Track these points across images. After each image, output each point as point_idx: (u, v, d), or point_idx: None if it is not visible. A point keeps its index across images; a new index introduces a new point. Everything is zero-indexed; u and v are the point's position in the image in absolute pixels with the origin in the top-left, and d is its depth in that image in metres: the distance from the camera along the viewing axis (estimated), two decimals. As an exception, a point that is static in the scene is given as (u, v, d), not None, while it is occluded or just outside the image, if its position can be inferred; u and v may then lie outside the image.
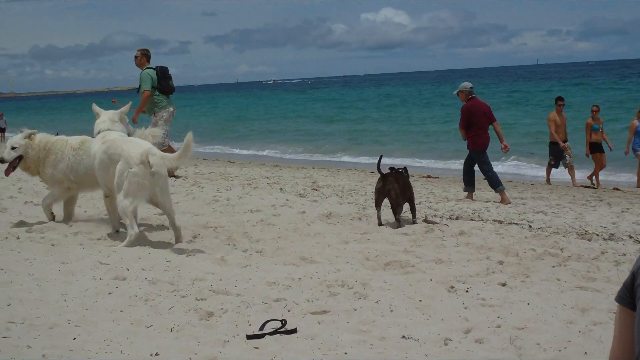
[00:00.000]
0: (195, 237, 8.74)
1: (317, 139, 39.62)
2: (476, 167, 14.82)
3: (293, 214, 10.63)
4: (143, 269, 6.95)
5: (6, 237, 8.39)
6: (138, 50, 15.98)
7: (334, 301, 6.07)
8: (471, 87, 15.13)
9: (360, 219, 10.40)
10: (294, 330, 5.22)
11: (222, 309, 5.73)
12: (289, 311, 5.74)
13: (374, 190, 10.74)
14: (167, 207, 8.49)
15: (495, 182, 14.44)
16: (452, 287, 6.62)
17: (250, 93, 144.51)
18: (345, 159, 30.17)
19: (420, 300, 6.16)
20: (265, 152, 34.59)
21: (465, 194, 15.01)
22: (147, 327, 5.28)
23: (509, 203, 13.99)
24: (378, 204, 10.13)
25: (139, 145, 8.25)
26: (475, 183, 14.78)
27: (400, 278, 6.96)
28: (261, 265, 7.32)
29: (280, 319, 5.39)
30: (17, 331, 5.07)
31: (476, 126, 14.72)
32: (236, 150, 36.54)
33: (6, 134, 49.20)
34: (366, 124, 47.50)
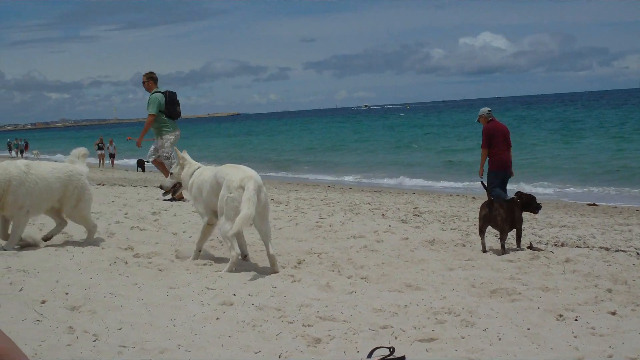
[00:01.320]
0: (299, 263, 8.78)
1: (411, 165, 39.59)
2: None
3: (396, 240, 10.60)
4: (250, 295, 7.02)
5: (115, 262, 8.58)
6: (144, 75, 16.36)
7: (441, 329, 6.00)
8: (489, 111, 16.66)
9: (463, 245, 10.32)
10: (403, 358, 5.18)
11: (329, 335, 5.73)
12: (396, 338, 5.71)
13: (477, 216, 10.64)
14: (262, 232, 8.63)
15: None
16: (561, 316, 6.48)
17: (346, 118, 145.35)
18: (444, 184, 29.99)
19: (528, 329, 6.04)
20: (353, 178, 34.67)
21: None
22: (256, 353, 5.32)
23: None
24: (482, 231, 10.04)
25: (241, 171, 8.40)
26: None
27: (507, 306, 6.85)
28: (366, 292, 7.30)
29: (389, 346, 5.35)
30: (129, 355, 5.18)
31: (496, 147, 15.80)
32: (326, 177, 36.72)
33: (115, 160, 50.05)
34: (461, 150, 47.32)
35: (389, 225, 12.20)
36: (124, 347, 5.34)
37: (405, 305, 6.70)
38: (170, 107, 15.84)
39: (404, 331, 5.89)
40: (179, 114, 16.17)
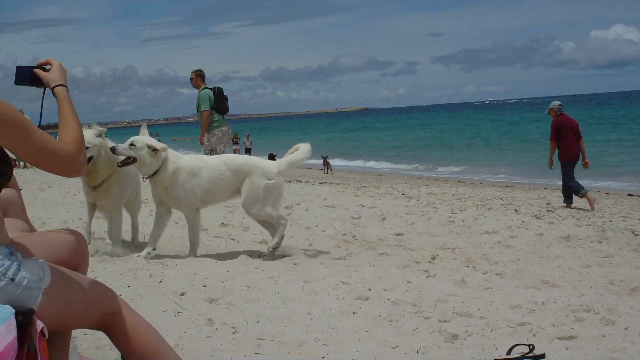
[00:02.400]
0: (433, 258, 8.74)
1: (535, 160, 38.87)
2: None
3: (530, 236, 10.45)
4: (385, 290, 7.02)
5: (250, 255, 8.78)
6: (192, 72, 16.48)
7: (581, 326, 5.86)
8: (560, 105, 17.53)
9: (600, 241, 10.05)
10: (542, 356, 5.10)
11: (466, 331, 5.68)
12: (534, 335, 5.62)
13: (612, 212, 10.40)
14: None
15: (577, 189, 16.54)
16: None
17: (466, 114, 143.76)
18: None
19: (671, 328, 5.87)
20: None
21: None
22: (393, 348, 5.31)
23: (595, 200, 16.48)
24: None
25: (268, 160, 8.99)
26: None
27: (648, 304, 6.67)
28: (502, 288, 7.21)
29: (528, 343, 5.29)
30: (268, 348, 5.25)
31: (565, 139, 16.96)
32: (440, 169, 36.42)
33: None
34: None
35: (522, 221, 12.04)
36: (263, 339, 5.42)
37: (543, 302, 6.58)
38: (219, 102, 16.12)
39: (542, 328, 5.78)
40: (227, 109, 16.44)
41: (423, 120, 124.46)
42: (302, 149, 9.04)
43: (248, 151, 50.21)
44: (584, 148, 17.21)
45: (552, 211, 13.97)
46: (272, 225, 9.12)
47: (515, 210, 14.13)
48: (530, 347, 5.21)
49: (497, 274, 7.90)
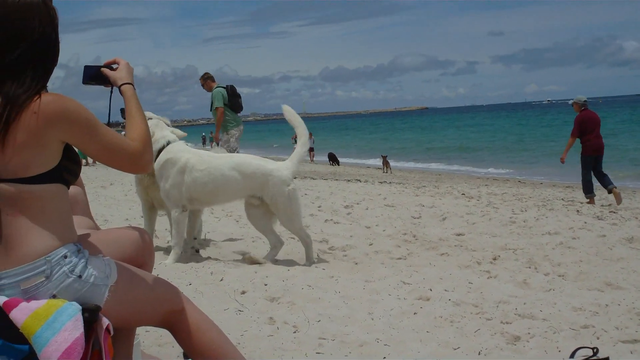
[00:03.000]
0: (495, 258, 8.69)
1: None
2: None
3: (593, 237, 10.30)
4: (446, 290, 7.01)
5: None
6: (200, 78, 16.52)
7: (646, 330, 5.81)
8: (585, 101, 18.05)
9: (665, 243, 9.90)
10: (606, 359, 5.07)
11: (528, 333, 5.64)
12: (598, 338, 5.55)
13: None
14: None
15: (587, 188, 17.51)
16: None
17: (524, 114, 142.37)
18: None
19: None
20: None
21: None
22: (455, 349, 5.29)
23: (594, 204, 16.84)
24: None
25: (280, 162, 8.73)
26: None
27: None
28: (565, 290, 7.13)
29: (591, 346, 5.24)
30: (329, 347, 5.27)
31: (589, 133, 17.57)
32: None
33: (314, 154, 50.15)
34: None
35: (585, 222, 11.88)
36: (324, 339, 5.44)
37: (606, 305, 6.50)
38: (233, 99, 16.18)
39: (605, 331, 5.72)
40: (241, 107, 16.49)
41: (479, 120, 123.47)
42: (301, 140, 8.74)
43: (311, 150, 49.65)
44: (602, 143, 17.85)
45: (614, 212, 13.76)
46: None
47: (577, 211, 13.96)
48: (594, 350, 5.15)
49: (560, 276, 7.82)
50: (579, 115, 17.94)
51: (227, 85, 16.43)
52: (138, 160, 3.45)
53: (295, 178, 8.61)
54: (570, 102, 18.15)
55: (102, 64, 3.90)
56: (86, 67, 3.92)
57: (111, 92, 3.95)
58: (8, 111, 3.12)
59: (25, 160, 3.15)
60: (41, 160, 3.19)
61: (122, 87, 3.76)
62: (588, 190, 17.62)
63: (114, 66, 3.87)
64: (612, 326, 5.86)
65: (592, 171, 17.76)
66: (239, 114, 16.60)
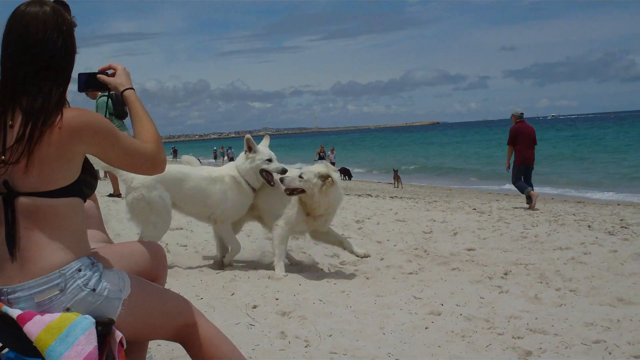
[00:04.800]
0: (506, 274, 8.66)
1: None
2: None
3: (604, 252, 10.27)
4: (457, 305, 7.02)
5: (321, 269, 8.82)
6: None
7: (658, 345, 5.80)
8: (521, 113, 19.63)
9: (677, 259, 9.85)
10: (618, 374, 5.07)
11: (540, 348, 5.63)
12: (610, 354, 5.54)
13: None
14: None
15: (522, 189, 18.83)
16: None
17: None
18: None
19: None
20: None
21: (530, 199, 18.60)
22: (466, 364, 5.33)
23: (537, 196, 18.72)
24: None
25: None
26: None
27: None
28: (576, 305, 7.12)
29: (602, 361, 5.24)
30: (340, 361, 5.30)
31: (521, 145, 19.05)
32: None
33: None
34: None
35: (596, 237, 11.85)
36: (335, 353, 5.45)
37: (618, 320, 6.49)
38: (118, 107, 16.22)
39: (618, 347, 5.70)
40: (126, 114, 16.50)
41: (489, 136, 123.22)
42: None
43: (333, 165, 49.02)
44: (533, 154, 19.30)
45: (626, 227, 13.70)
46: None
47: (589, 226, 13.91)
48: (606, 365, 5.15)
49: (571, 291, 7.80)
50: (513, 127, 19.50)
51: (110, 93, 16.48)
52: (155, 161, 3.54)
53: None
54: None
55: (96, 71, 3.92)
56: (80, 75, 3.93)
57: (108, 97, 3.98)
58: (31, 129, 3.15)
59: (49, 174, 3.18)
60: (64, 174, 3.23)
61: (125, 93, 3.80)
62: (523, 190, 18.89)
63: (109, 72, 3.90)
64: (624, 341, 5.85)
65: (524, 179, 19.12)
66: (124, 121, 16.70)
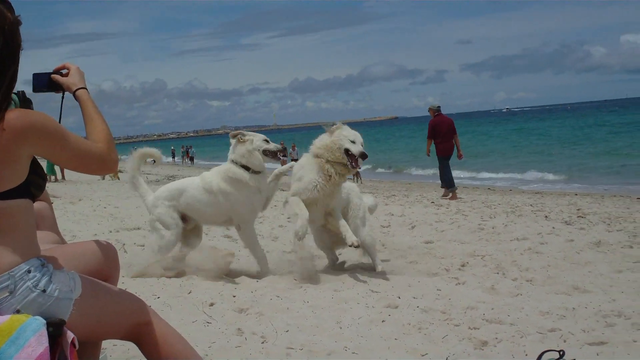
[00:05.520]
0: (463, 265, 8.72)
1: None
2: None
3: (561, 242, 10.36)
4: (414, 297, 7.03)
5: (279, 265, 8.81)
6: None
7: (612, 332, 5.81)
8: (438, 107, 20.52)
9: (631, 247, 9.90)
10: (573, 362, 5.10)
11: (496, 338, 5.66)
12: (565, 341, 5.58)
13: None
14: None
15: (449, 184, 19.97)
16: None
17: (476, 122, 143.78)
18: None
19: None
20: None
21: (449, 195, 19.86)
22: (422, 356, 5.30)
23: (457, 199, 19.27)
24: None
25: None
26: None
27: (683, 309, 6.59)
28: (532, 294, 7.17)
29: (558, 349, 5.26)
30: (297, 357, 5.27)
31: (440, 137, 20.00)
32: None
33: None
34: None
35: (553, 227, 11.96)
36: (292, 349, 5.44)
37: (573, 308, 6.54)
38: (24, 105, 16.18)
39: (572, 334, 5.75)
40: None
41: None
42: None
43: (295, 161, 47.64)
44: (459, 143, 20.42)
45: (582, 217, 13.84)
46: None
47: (546, 216, 14.04)
48: (561, 353, 5.17)
49: (528, 281, 7.86)
50: (432, 120, 20.39)
51: (18, 91, 16.36)
52: (105, 161, 3.47)
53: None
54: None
55: (51, 71, 3.86)
56: (35, 75, 3.88)
57: (62, 97, 3.92)
58: None
59: None
60: (11, 176, 3.17)
61: (77, 93, 3.74)
62: (449, 185, 20.12)
63: (64, 71, 3.85)
64: (579, 329, 5.90)
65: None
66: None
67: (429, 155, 20.76)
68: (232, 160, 8.49)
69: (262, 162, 8.53)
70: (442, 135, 20.07)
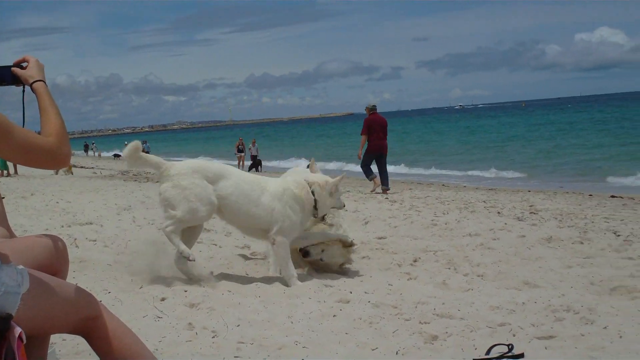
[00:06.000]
0: (415, 260, 8.77)
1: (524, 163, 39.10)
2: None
3: (512, 238, 10.46)
4: (366, 292, 7.06)
5: (231, 260, 8.78)
6: None
7: (560, 326, 5.88)
8: (373, 106, 21.56)
9: (581, 242, 10.03)
10: (521, 355, 5.12)
11: (446, 332, 5.70)
12: (514, 335, 5.64)
13: (594, 213, 10.41)
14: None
15: (368, 174, 21.29)
16: (687, 314, 6.27)
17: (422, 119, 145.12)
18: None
19: (651, 327, 5.87)
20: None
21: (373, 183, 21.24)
22: (373, 350, 5.32)
23: (379, 186, 20.96)
24: None
25: None
26: None
27: (627, 303, 6.65)
28: (483, 289, 7.24)
29: (507, 343, 5.31)
30: (248, 351, 5.25)
31: (374, 135, 21.00)
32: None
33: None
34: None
35: (505, 223, 12.06)
36: (242, 343, 5.43)
37: (523, 303, 6.60)
38: None
39: (522, 328, 5.80)
40: None
41: (404, 126, 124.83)
42: None
43: (254, 158, 45.87)
44: (385, 143, 21.32)
45: (535, 213, 13.98)
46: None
47: (498, 212, 14.16)
48: (510, 346, 5.22)
49: (479, 276, 7.93)
50: (367, 118, 21.33)
51: None
52: (56, 155, 3.40)
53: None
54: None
55: (11, 64, 3.81)
56: None
57: (23, 91, 3.87)
58: None
59: None
60: None
61: (34, 85, 3.69)
62: (368, 174, 21.30)
63: (24, 64, 3.80)
64: (528, 323, 5.96)
65: (377, 165, 21.19)
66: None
67: (360, 157, 21.66)
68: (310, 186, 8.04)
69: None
70: (376, 133, 21.06)
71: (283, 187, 7.93)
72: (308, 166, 8.73)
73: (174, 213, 7.57)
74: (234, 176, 7.91)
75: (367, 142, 21.25)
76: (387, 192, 20.54)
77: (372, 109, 21.50)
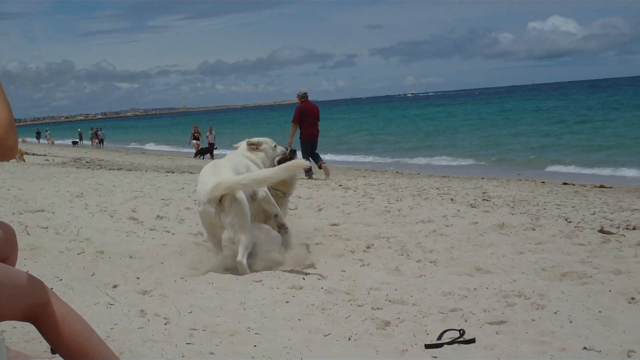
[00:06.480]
0: (368, 247, 8.79)
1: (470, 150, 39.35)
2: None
3: (465, 224, 10.53)
4: (319, 279, 7.07)
5: (184, 247, 8.73)
6: None
7: (511, 311, 5.94)
8: (304, 93, 21.86)
9: (533, 229, 10.13)
10: (473, 340, 5.16)
11: (398, 318, 5.73)
12: (465, 321, 5.68)
13: (547, 200, 10.50)
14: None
15: (317, 162, 21.48)
16: (633, 299, 6.30)
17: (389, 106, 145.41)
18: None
19: (599, 312, 5.91)
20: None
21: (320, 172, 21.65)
22: (325, 336, 5.33)
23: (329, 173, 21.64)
24: None
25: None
26: None
27: (578, 289, 6.72)
28: (436, 275, 7.28)
29: (458, 328, 5.34)
30: (200, 338, 5.24)
31: (306, 122, 21.45)
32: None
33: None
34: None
35: (458, 210, 12.13)
36: (195, 330, 5.42)
37: (475, 289, 6.65)
38: None
39: (473, 314, 5.85)
40: None
41: (359, 114, 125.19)
42: None
43: (211, 146, 45.85)
44: (317, 130, 21.90)
45: (487, 200, 14.10)
46: None
47: (452, 199, 14.24)
48: (461, 332, 5.26)
49: (431, 262, 7.97)
50: (299, 106, 21.79)
51: None
52: (1, 147, 3.30)
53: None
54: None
55: None
56: None
57: None
58: None
59: None
60: None
61: None
62: (317, 161, 21.59)
63: None
64: (480, 309, 6.00)
65: (310, 153, 21.57)
66: None
67: (290, 144, 20.44)
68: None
69: None
70: (308, 120, 21.57)
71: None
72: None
73: None
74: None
75: (299, 130, 21.72)
76: (312, 177, 21.10)
77: (303, 97, 21.94)
